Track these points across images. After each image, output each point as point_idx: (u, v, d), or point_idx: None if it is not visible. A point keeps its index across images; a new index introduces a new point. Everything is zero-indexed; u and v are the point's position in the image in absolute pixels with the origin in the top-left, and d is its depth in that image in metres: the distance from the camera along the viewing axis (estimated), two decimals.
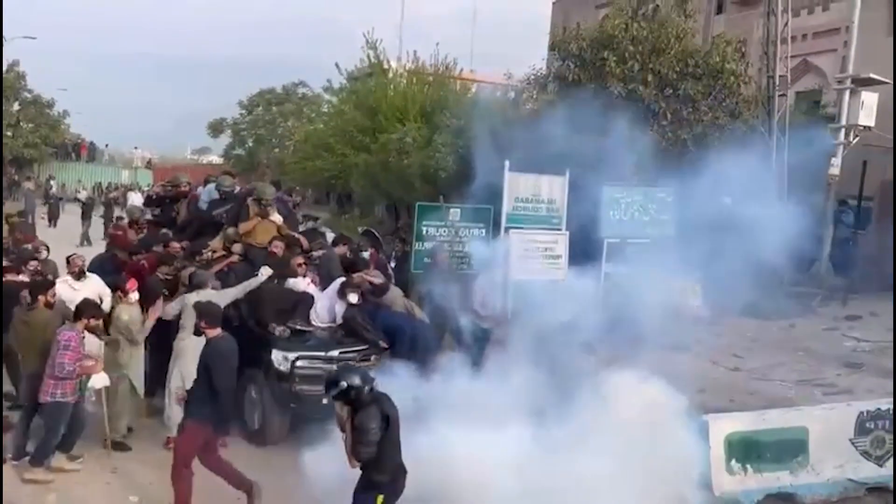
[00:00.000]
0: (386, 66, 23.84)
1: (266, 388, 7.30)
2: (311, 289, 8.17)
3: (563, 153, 10.47)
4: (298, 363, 7.22)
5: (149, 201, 12.02)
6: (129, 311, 7.24)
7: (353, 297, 7.86)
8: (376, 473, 4.79)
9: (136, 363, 7.31)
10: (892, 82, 13.56)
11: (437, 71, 22.57)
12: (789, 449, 6.55)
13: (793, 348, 10.98)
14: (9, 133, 37.43)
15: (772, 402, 7.91)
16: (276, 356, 7.26)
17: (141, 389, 7.43)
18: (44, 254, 9.16)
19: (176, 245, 8.58)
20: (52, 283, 7.29)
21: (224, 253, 8.44)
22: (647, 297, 8.49)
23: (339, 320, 7.87)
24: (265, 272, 7.72)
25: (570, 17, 43.11)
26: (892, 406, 6.84)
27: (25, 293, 7.02)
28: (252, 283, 7.66)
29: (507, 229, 10.26)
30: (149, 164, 52.02)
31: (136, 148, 53.59)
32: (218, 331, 5.88)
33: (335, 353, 7.41)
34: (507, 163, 10.24)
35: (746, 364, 10.16)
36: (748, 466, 6.44)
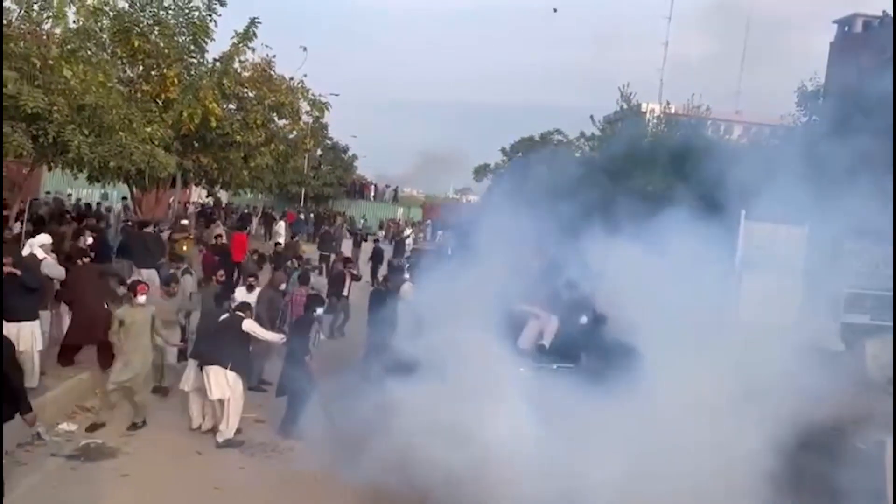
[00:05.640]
0: (640, 112, 24.81)
1: None
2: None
3: (805, 203, 10.81)
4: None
5: None
6: None
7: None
8: None
9: None
10: None
11: (689, 115, 23.01)
12: None
13: None
14: (311, 174, 45.07)
15: None
16: None
17: None
18: None
19: None
20: None
21: None
22: None
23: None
24: None
25: (848, 58, 40.02)
26: None
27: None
28: None
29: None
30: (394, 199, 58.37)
31: (416, 191, 60.70)
32: None
33: (554, 366, 9.17)
34: (742, 211, 10.97)
35: None
36: None
